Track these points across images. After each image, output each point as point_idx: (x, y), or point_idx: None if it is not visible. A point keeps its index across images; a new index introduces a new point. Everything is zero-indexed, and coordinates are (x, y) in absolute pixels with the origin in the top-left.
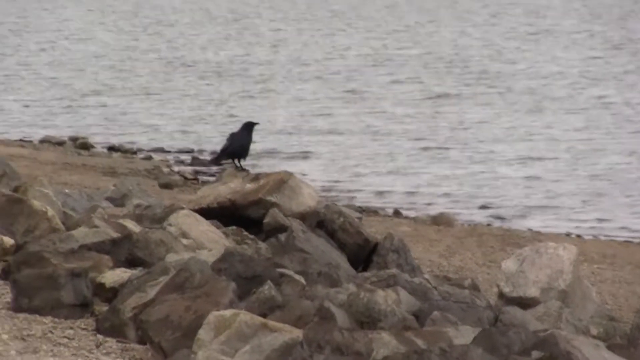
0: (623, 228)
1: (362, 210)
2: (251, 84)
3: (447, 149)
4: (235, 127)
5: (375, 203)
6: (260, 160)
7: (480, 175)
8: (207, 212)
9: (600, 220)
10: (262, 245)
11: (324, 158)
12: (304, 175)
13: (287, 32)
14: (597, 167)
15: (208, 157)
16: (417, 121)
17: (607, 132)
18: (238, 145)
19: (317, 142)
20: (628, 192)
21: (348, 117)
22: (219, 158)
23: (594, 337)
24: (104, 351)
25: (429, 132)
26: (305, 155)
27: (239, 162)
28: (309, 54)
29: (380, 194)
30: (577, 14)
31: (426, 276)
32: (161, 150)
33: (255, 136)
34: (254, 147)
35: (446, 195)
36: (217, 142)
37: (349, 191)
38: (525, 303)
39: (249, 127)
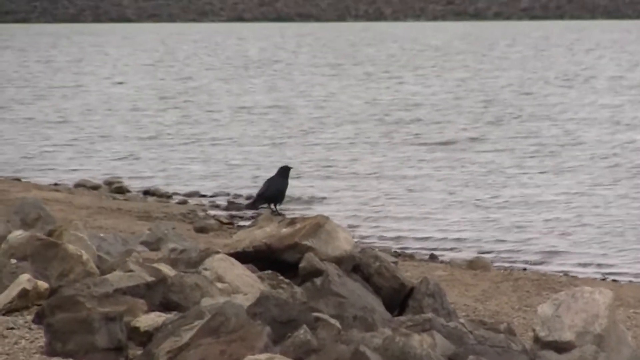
0: None
1: (397, 254)
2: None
3: (478, 194)
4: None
5: (411, 247)
6: (294, 204)
7: (513, 219)
8: (242, 256)
9: (637, 265)
10: (298, 289)
11: (356, 202)
12: (336, 218)
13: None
14: (629, 210)
15: (244, 202)
16: (446, 166)
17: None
18: (275, 189)
19: (348, 187)
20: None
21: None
22: (256, 202)
23: None
24: None
25: (460, 177)
26: (338, 199)
27: (275, 206)
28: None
29: (415, 238)
30: None
31: (462, 320)
32: (197, 194)
33: (291, 181)
34: (290, 192)
35: (480, 240)
36: (252, 186)
37: (383, 236)
38: (560, 347)
39: (285, 171)
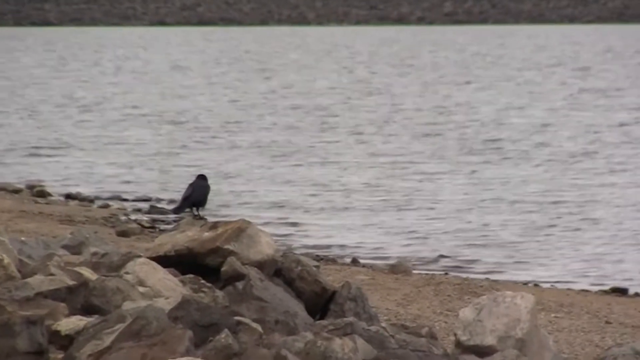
0: (581, 277)
1: (319, 258)
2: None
3: (406, 201)
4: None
5: (333, 252)
6: (216, 209)
7: (436, 225)
8: (164, 260)
9: (557, 269)
10: (219, 293)
11: (280, 207)
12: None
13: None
14: (552, 216)
15: (166, 206)
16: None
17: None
18: (200, 193)
19: (272, 192)
20: (583, 241)
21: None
22: (182, 207)
23: None
24: None
25: (388, 183)
26: (261, 204)
27: (197, 210)
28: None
29: (338, 243)
30: None
31: (383, 324)
32: (118, 198)
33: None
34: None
35: (404, 245)
36: (174, 191)
37: (306, 240)
38: (482, 352)
39: (204, 177)
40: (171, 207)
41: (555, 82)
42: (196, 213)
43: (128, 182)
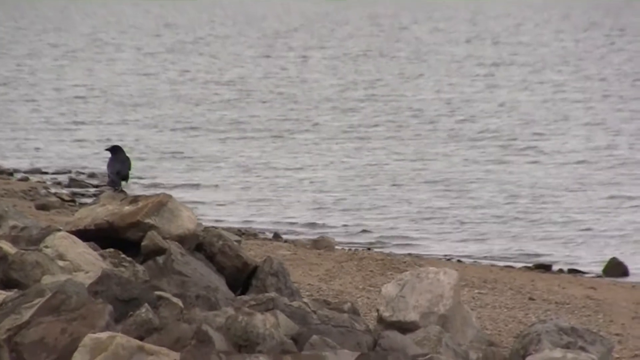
0: (504, 253)
1: (241, 233)
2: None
3: (326, 176)
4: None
5: (255, 227)
6: (137, 185)
7: (360, 199)
8: (84, 234)
9: (481, 245)
10: (140, 268)
11: (203, 182)
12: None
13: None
14: (475, 193)
15: (86, 180)
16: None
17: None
18: (127, 167)
19: (196, 168)
20: (508, 219)
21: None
22: (115, 181)
23: None
24: None
25: (311, 159)
26: (184, 179)
27: (120, 184)
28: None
29: (260, 218)
30: None
31: (305, 300)
32: (38, 171)
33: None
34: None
35: (327, 219)
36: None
37: (229, 214)
38: (405, 327)
39: (120, 149)
40: (94, 181)
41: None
42: (118, 187)
43: (45, 156)
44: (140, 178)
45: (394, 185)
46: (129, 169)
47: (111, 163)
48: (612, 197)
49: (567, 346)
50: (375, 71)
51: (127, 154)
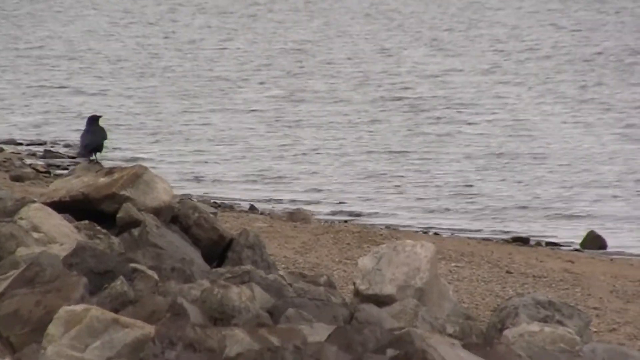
0: (482, 226)
1: (217, 205)
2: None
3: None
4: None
5: (231, 198)
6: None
7: (337, 172)
8: (59, 206)
9: (457, 217)
10: (115, 240)
11: (179, 153)
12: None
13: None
14: (449, 167)
15: (61, 150)
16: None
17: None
18: (100, 137)
19: (171, 140)
20: (484, 191)
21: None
22: (86, 152)
23: (450, 335)
24: None
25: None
26: (161, 151)
27: (95, 155)
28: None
29: (237, 189)
30: None
31: (281, 273)
32: (13, 142)
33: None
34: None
35: (304, 191)
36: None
37: (205, 186)
38: (381, 301)
39: (97, 119)
40: (70, 152)
41: None
42: (93, 158)
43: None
44: (120, 150)
45: (370, 158)
46: (103, 139)
47: (83, 135)
48: (589, 171)
49: (544, 320)
50: None
51: (107, 125)
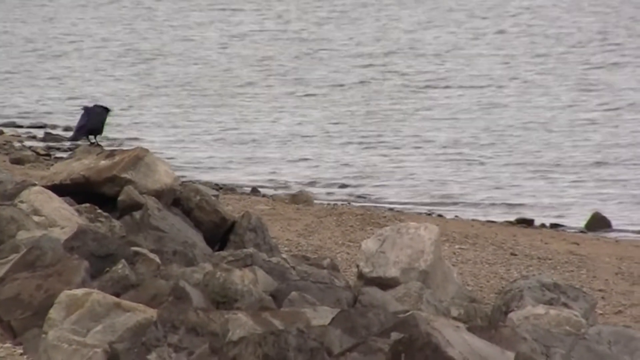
0: (486, 207)
1: (219, 188)
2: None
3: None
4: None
5: (233, 181)
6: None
7: (341, 155)
8: (60, 189)
9: (462, 199)
10: (116, 223)
11: (181, 135)
12: (161, 152)
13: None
14: (458, 148)
15: (62, 133)
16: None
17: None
18: (96, 120)
19: (174, 121)
20: (489, 173)
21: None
22: (78, 134)
23: (454, 318)
24: None
25: (290, 116)
26: (164, 133)
27: (94, 137)
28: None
29: (239, 172)
30: None
31: (284, 256)
32: (13, 124)
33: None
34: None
35: (305, 175)
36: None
37: (206, 169)
38: (385, 284)
39: (99, 107)
40: (68, 135)
41: None
42: (93, 140)
43: (24, 109)
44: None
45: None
46: (102, 123)
47: (81, 117)
48: (596, 151)
49: (549, 302)
50: None
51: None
